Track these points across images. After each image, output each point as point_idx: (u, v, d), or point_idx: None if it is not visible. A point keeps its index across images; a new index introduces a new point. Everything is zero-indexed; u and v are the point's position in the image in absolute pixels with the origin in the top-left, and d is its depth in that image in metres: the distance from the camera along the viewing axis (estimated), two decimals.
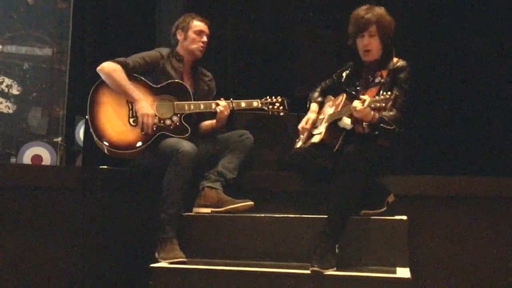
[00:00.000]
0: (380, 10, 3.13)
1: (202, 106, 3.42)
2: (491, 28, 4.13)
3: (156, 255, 3.00)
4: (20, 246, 2.95)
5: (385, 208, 3.04)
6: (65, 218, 3.14)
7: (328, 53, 4.58)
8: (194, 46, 3.49)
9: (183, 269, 2.87)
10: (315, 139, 3.16)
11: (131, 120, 3.31)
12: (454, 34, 4.24)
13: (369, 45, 3.12)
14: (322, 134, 3.11)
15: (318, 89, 3.46)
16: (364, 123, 2.98)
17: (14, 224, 2.94)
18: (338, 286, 2.65)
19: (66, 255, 3.13)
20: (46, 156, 4.29)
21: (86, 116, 3.31)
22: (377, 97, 2.80)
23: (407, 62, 3.12)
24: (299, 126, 3.36)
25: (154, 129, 3.30)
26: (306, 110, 3.48)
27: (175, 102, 3.39)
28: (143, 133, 3.27)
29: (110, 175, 3.51)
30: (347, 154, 2.88)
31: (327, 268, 2.66)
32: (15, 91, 4.41)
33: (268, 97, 3.55)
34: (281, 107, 3.53)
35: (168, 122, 3.35)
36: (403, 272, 2.69)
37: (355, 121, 3.02)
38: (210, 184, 3.29)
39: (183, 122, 3.37)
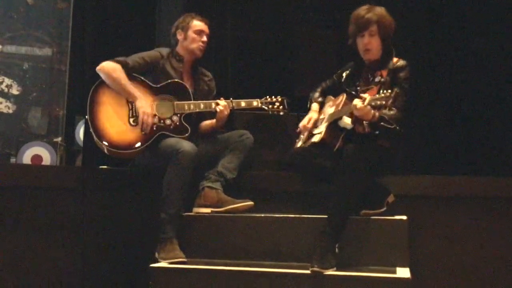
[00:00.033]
0: (380, 10, 3.13)
1: (202, 106, 3.42)
2: (491, 28, 4.13)
3: (156, 255, 3.00)
4: (20, 246, 2.95)
5: (385, 208, 3.04)
6: (65, 218, 3.14)
7: (328, 53, 4.58)
8: (194, 46, 3.49)
9: (183, 269, 2.87)
10: (315, 138, 3.16)
11: (131, 120, 3.31)
12: (454, 34, 4.24)
13: (370, 44, 3.12)
14: (323, 133, 3.11)
15: (319, 89, 3.47)
16: (364, 122, 2.98)
17: (14, 224, 2.94)
18: (338, 286, 2.65)
19: (66, 255, 3.13)
20: (46, 156, 4.29)
21: (86, 116, 3.31)
22: (377, 95, 2.81)
23: (407, 61, 3.13)
24: (301, 125, 3.36)
25: (154, 128, 3.31)
26: (306, 110, 3.48)
27: (175, 102, 3.39)
28: (143, 133, 3.27)
29: (110, 175, 3.51)
30: (347, 154, 2.88)
31: (327, 268, 2.66)
32: (15, 91, 4.41)
33: (268, 96, 3.54)
34: (281, 107, 3.53)
35: (168, 121, 3.35)
36: (403, 272, 2.69)
37: (356, 120, 3.02)
38: (210, 184, 3.28)
39: (183, 122, 3.36)
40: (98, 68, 3.33)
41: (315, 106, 3.41)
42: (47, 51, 4.52)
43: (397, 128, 2.98)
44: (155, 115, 3.34)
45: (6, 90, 4.38)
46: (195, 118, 3.50)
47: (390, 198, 3.08)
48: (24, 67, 4.47)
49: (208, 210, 3.25)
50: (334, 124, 3.12)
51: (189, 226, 3.16)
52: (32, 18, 4.51)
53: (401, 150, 3.14)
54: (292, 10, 4.74)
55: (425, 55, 4.23)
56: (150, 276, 2.83)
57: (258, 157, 3.85)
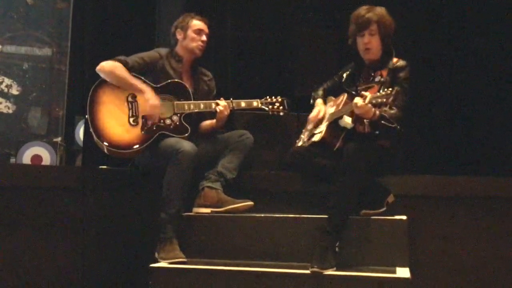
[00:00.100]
0: (381, 10, 3.15)
1: (202, 106, 3.42)
2: (491, 28, 4.13)
3: (156, 255, 3.00)
4: (20, 246, 2.95)
5: (385, 208, 3.04)
6: (65, 218, 3.14)
7: (328, 53, 4.58)
8: (193, 45, 3.49)
9: (183, 269, 2.87)
10: (316, 138, 3.17)
11: (131, 119, 3.31)
12: (454, 34, 4.24)
13: (370, 43, 3.12)
14: (323, 132, 3.11)
15: (321, 88, 3.48)
16: (365, 121, 2.99)
17: (14, 224, 2.94)
18: (338, 286, 2.65)
19: (66, 255, 3.13)
20: (46, 156, 4.30)
21: (86, 116, 3.31)
22: (378, 93, 2.81)
23: (407, 62, 3.13)
24: (310, 116, 3.35)
25: (154, 128, 3.31)
26: (306, 110, 3.48)
27: (175, 102, 3.39)
28: (142, 132, 3.28)
29: (110, 175, 3.51)
30: (347, 154, 2.88)
31: (326, 268, 2.66)
32: (14, 91, 4.41)
33: (268, 97, 3.54)
34: (281, 107, 3.53)
35: (168, 121, 3.35)
36: (403, 272, 2.69)
37: (356, 119, 3.02)
38: (210, 184, 3.28)
39: (183, 122, 3.37)
40: (98, 68, 3.33)
41: (320, 100, 3.41)
42: (46, 51, 4.53)
43: (398, 127, 2.98)
44: None
45: (6, 90, 4.39)
46: (195, 118, 3.50)
47: (390, 198, 3.08)
48: (24, 67, 4.47)
49: (208, 210, 3.24)
50: (334, 123, 3.13)
51: (189, 226, 3.16)
52: (32, 18, 4.52)
53: (401, 150, 3.13)
54: (292, 10, 4.74)
55: (425, 55, 4.23)
56: (150, 276, 2.83)
57: (258, 157, 3.85)
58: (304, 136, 3.38)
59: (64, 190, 3.15)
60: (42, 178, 3.10)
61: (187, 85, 3.45)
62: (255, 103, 3.51)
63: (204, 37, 3.51)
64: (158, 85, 3.41)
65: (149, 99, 3.29)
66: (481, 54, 4.13)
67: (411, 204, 3.24)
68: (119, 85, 3.32)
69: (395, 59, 3.15)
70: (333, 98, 3.38)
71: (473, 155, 4.02)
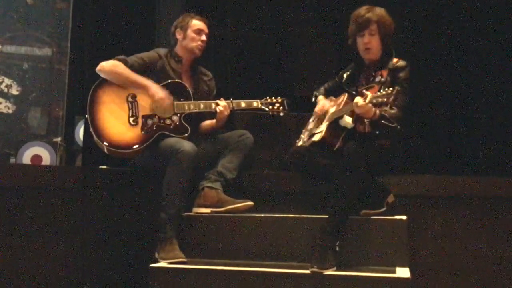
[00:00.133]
0: (380, 10, 3.16)
1: (202, 106, 3.42)
2: (491, 28, 4.13)
3: (156, 255, 3.00)
4: (20, 246, 2.95)
5: (385, 208, 3.04)
6: (65, 218, 3.14)
7: (328, 53, 4.58)
8: (193, 45, 3.49)
9: (183, 269, 2.87)
10: (316, 137, 3.16)
11: (131, 119, 3.31)
12: (454, 34, 4.24)
13: (370, 43, 3.13)
14: (323, 132, 3.11)
15: (322, 88, 3.48)
16: (365, 120, 2.99)
17: (14, 224, 2.94)
18: (338, 286, 2.65)
19: (66, 255, 3.13)
20: (46, 156, 4.29)
21: (86, 116, 3.31)
22: (378, 93, 2.82)
23: (407, 62, 3.13)
24: (316, 109, 3.35)
25: (154, 128, 3.31)
26: (306, 110, 3.48)
27: (175, 102, 3.39)
28: (142, 132, 3.28)
29: (110, 175, 3.51)
30: (347, 153, 2.88)
31: (326, 268, 2.66)
32: (14, 91, 4.41)
33: (268, 97, 3.54)
34: (281, 107, 3.53)
35: (168, 121, 3.35)
36: (403, 272, 2.69)
37: (356, 119, 3.02)
38: (210, 184, 3.28)
39: (183, 122, 3.36)
40: (98, 68, 3.33)
41: (322, 97, 3.41)
42: (46, 51, 4.52)
43: (398, 127, 2.98)
44: (155, 114, 3.34)
45: (5, 90, 4.38)
46: (195, 118, 3.50)
47: (390, 198, 3.08)
48: (23, 67, 4.46)
49: (208, 210, 3.24)
50: (335, 123, 3.12)
51: (189, 226, 3.16)
52: (31, 18, 4.51)
53: (401, 150, 3.13)
54: (292, 10, 4.74)
55: (425, 55, 4.23)
56: (150, 276, 2.83)
57: (258, 157, 3.85)
58: (304, 136, 3.39)
59: (64, 190, 3.15)
60: (42, 178, 3.10)
61: (187, 85, 3.45)
62: (255, 103, 3.50)
63: (203, 37, 3.51)
64: (158, 85, 3.41)
65: (154, 94, 3.30)
66: (481, 54, 4.13)
67: (411, 204, 3.24)
68: (120, 83, 3.32)
69: (395, 59, 3.15)
70: (333, 98, 3.38)
71: (473, 155, 4.02)
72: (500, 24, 4.11)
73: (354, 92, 3.18)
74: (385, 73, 3.12)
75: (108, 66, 3.31)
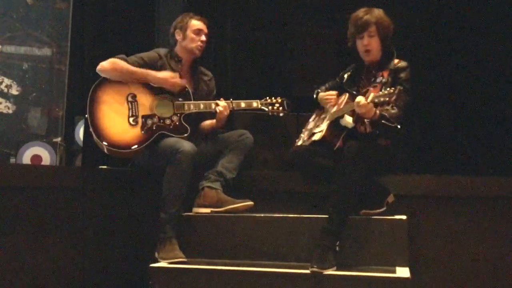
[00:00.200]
0: (378, 12, 3.17)
1: (201, 106, 3.42)
2: (491, 28, 4.13)
3: (156, 255, 3.00)
4: (20, 246, 2.95)
5: (385, 208, 3.05)
6: (65, 218, 3.14)
7: (328, 53, 4.58)
8: (192, 45, 3.49)
9: (182, 269, 2.87)
10: (316, 137, 3.16)
11: (131, 119, 3.31)
12: (455, 34, 4.24)
13: (369, 45, 3.14)
14: (324, 131, 3.11)
15: (323, 88, 3.48)
16: (366, 120, 2.99)
17: (13, 224, 2.94)
18: (338, 286, 2.65)
19: (66, 255, 3.12)
20: (46, 156, 4.30)
21: (86, 115, 3.31)
22: (380, 92, 2.82)
23: (408, 63, 3.14)
24: (328, 96, 3.34)
25: (154, 128, 3.31)
26: (306, 110, 3.48)
27: (175, 102, 3.39)
28: (142, 132, 3.28)
29: (110, 175, 3.51)
30: (347, 153, 2.88)
31: (326, 268, 2.66)
32: (14, 91, 4.41)
33: (268, 97, 3.54)
34: (280, 108, 3.53)
35: (167, 121, 3.35)
36: (403, 272, 2.69)
37: (357, 119, 3.02)
38: (209, 184, 3.28)
39: (183, 122, 3.37)
40: (98, 68, 3.34)
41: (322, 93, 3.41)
42: (46, 51, 4.53)
43: (398, 126, 2.98)
44: (154, 114, 3.34)
45: (5, 90, 4.38)
46: (195, 118, 3.50)
47: (390, 198, 3.08)
48: (23, 67, 4.47)
49: (208, 210, 3.24)
50: (335, 123, 3.13)
51: (189, 226, 3.16)
52: (31, 18, 4.51)
53: (401, 150, 3.13)
54: (292, 10, 4.74)
55: (426, 55, 4.23)
56: (150, 276, 2.83)
57: (258, 157, 3.85)
58: (304, 136, 3.39)
59: (64, 190, 3.15)
60: (42, 178, 3.10)
61: (187, 85, 3.45)
62: (255, 103, 3.51)
63: (203, 37, 3.51)
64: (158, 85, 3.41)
65: (162, 77, 3.33)
66: (482, 54, 4.13)
67: (411, 204, 3.24)
68: (122, 79, 3.32)
69: (396, 60, 3.16)
70: None
71: (473, 155, 4.02)
72: (500, 24, 4.11)
73: (354, 92, 3.19)
74: (386, 73, 3.12)
75: (108, 64, 3.32)
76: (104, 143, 3.23)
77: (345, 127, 3.08)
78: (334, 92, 3.34)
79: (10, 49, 4.44)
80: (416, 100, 3.17)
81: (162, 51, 3.53)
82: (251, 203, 3.21)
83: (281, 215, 3.12)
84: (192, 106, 3.40)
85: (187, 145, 3.14)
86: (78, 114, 4.39)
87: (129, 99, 3.34)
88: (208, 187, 3.27)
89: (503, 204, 3.25)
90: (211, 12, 4.07)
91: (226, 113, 3.43)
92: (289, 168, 3.35)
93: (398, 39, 3.24)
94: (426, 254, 3.25)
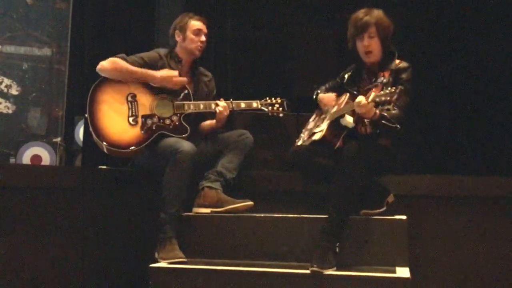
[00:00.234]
0: (378, 12, 3.16)
1: (201, 106, 3.42)
2: (492, 28, 4.13)
3: (156, 255, 3.00)
4: (19, 246, 2.95)
5: (384, 208, 3.04)
6: (64, 218, 3.14)
7: (328, 53, 4.58)
8: (192, 46, 3.48)
9: (182, 269, 2.87)
10: (316, 136, 3.16)
11: (131, 119, 3.31)
12: (454, 34, 4.24)
13: (370, 46, 3.13)
14: (324, 131, 3.11)
15: (323, 88, 3.48)
16: (366, 120, 2.99)
17: (13, 224, 2.94)
18: (338, 286, 2.65)
19: (66, 255, 3.12)
20: (46, 156, 4.29)
21: (86, 115, 3.31)
22: (382, 92, 2.82)
23: (409, 63, 3.13)
24: (324, 101, 3.34)
25: (153, 128, 3.31)
26: (306, 110, 3.48)
27: (175, 102, 3.39)
28: (142, 132, 3.28)
29: (109, 175, 3.51)
30: (347, 153, 2.88)
31: (326, 268, 2.66)
32: (14, 91, 4.41)
33: (268, 98, 3.54)
34: (280, 108, 3.53)
35: (167, 121, 3.35)
36: (403, 272, 2.69)
37: (358, 120, 3.02)
38: (209, 184, 3.28)
39: (183, 122, 3.36)
40: (98, 67, 3.33)
41: (322, 94, 3.41)
42: (46, 51, 4.52)
43: (398, 127, 2.98)
44: (154, 114, 3.34)
45: (5, 90, 4.38)
46: (195, 118, 3.50)
47: (390, 198, 3.08)
48: (23, 67, 4.47)
49: (207, 210, 3.24)
50: (335, 122, 3.12)
51: (189, 226, 3.16)
52: (31, 18, 4.51)
53: (401, 150, 3.13)
54: (292, 10, 4.74)
55: (426, 55, 4.23)
56: (150, 276, 2.83)
57: (258, 157, 3.85)
58: (304, 135, 3.38)
59: (64, 190, 3.15)
60: (42, 178, 3.10)
61: (187, 86, 3.44)
62: (255, 104, 3.51)
63: (203, 38, 3.50)
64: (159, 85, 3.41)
65: (165, 76, 3.32)
66: (482, 53, 4.13)
67: (411, 204, 3.24)
68: (122, 78, 3.32)
69: (397, 61, 3.15)
70: (334, 99, 3.38)
71: (473, 155, 4.02)
72: (500, 24, 4.11)
73: (355, 92, 3.19)
74: (387, 74, 3.12)
75: (108, 64, 3.32)
76: (104, 142, 3.23)
77: (345, 127, 3.08)
78: (333, 94, 3.33)
79: (10, 49, 4.44)
80: (416, 100, 3.16)
81: (163, 51, 3.52)
82: (251, 203, 3.21)
83: (281, 215, 3.12)
84: (192, 106, 3.40)
85: (186, 145, 3.14)
86: (78, 114, 4.38)
87: (129, 99, 3.34)
88: (208, 187, 3.27)
89: (503, 204, 3.26)
90: (211, 12, 4.07)
91: (226, 113, 3.43)
92: (289, 168, 3.35)
93: (398, 39, 3.24)
94: (426, 254, 3.25)
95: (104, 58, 3.36)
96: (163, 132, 3.31)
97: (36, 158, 4.26)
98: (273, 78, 4.60)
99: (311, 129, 3.33)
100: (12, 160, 4.27)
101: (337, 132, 3.10)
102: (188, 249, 3.02)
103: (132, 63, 3.36)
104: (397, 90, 2.74)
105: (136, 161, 3.43)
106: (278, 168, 3.81)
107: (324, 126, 3.18)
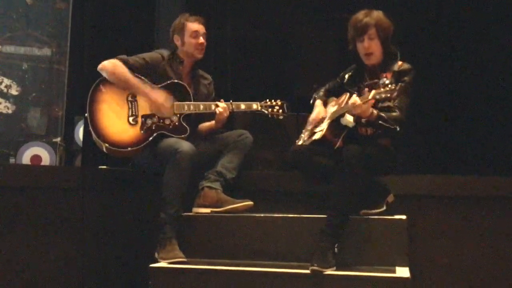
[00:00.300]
0: (378, 14, 3.15)
1: (201, 107, 3.41)
2: (491, 28, 4.14)
3: (156, 255, 3.00)
4: (19, 246, 2.95)
5: (384, 208, 3.04)
6: (64, 218, 3.14)
7: (328, 53, 4.58)
8: (192, 50, 3.47)
9: (182, 269, 2.86)
10: (317, 136, 3.17)
11: (131, 119, 3.31)
12: (454, 34, 4.25)
13: (370, 48, 3.12)
14: (324, 130, 3.11)
15: (322, 89, 3.48)
16: (362, 120, 2.99)
17: (13, 224, 2.94)
18: (338, 286, 2.65)
19: (66, 255, 3.12)
20: (46, 156, 4.28)
21: (86, 114, 3.31)
22: (382, 89, 2.82)
23: (411, 65, 3.12)
24: (310, 118, 3.35)
25: (153, 128, 3.31)
26: (306, 110, 3.48)
27: (175, 102, 3.38)
28: (141, 132, 3.28)
29: (109, 175, 3.51)
30: (347, 153, 2.88)
31: (326, 268, 2.66)
32: (14, 91, 4.40)
33: (268, 100, 3.53)
34: (280, 110, 3.52)
35: (167, 121, 3.35)
36: (403, 272, 2.69)
37: (358, 119, 3.02)
38: (209, 184, 3.28)
39: (182, 122, 3.36)
40: (99, 67, 3.33)
41: (319, 102, 3.41)
42: (46, 51, 4.52)
43: (397, 128, 2.98)
44: (154, 114, 3.34)
45: (5, 90, 4.37)
46: (194, 118, 3.49)
47: (390, 198, 3.08)
48: (23, 67, 4.46)
49: (207, 210, 3.24)
50: (336, 122, 3.13)
51: (188, 226, 3.16)
52: (31, 18, 4.50)
53: (401, 150, 3.13)
54: (292, 10, 4.74)
55: (425, 55, 4.23)
56: (150, 276, 2.83)
57: (258, 157, 3.85)
58: (304, 136, 3.38)
59: (64, 190, 3.15)
60: (41, 178, 3.10)
61: (188, 87, 3.44)
62: (255, 105, 3.50)
63: (201, 39, 3.48)
64: (159, 85, 3.40)
65: (156, 100, 3.30)
66: (481, 53, 4.13)
67: (411, 204, 3.24)
68: (117, 83, 3.31)
69: (399, 62, 3.14)
70: (335, 99, 3.38)
71: (473, 155, 4.02)
72: (500, 24, 4.11)
73: (356, 93, 3.18)
74: (389, 75, 3.10)
75: (108, 66, 3.30)
76: (104, 142, 3.22)
77: (345, 127, 3.08)
78: (323, 111, 3.32)
79: (10, 49, 4.43)
80: (416, 100, 3.16)
81: (165, 52, 3.52)
82: (250, 203, 3.21)
83: (281, 215, 3.12)
84: (192, 107, 3.39)
85: (186, 146, 3.14)
86: (78, 114, 4.38)
87: (129, 98, 3.34)
88: (208, 187, 3.27)
89: (502, 204, 3.25)
90: (211, 12, 4.07)
91: (226, 114, 3.43)
92: (289, 168, 3.35)
93: (398, 39, 3.23)
94: (426, 254, 3.25)
95: (104, 58, 3.35)
96: (162, 132, 3.31)
97: (36, 158, 4.26)
98: (273, 78, 4.60)
99: (312, 129, 3.33)
100: (12, 160, 4.26)
101: (337, 132, 3.10)
102: (188, 249, 3.02)
103: (134, 63, 3.35)
104: (397, 87, 2.75)
105: (136, 161, 3.43)
106: (278, 168, 3.82)
107: (324, 125, 3.18)
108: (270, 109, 3.51)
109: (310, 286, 2.67)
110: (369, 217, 3.00)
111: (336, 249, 2.75)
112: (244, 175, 3.47)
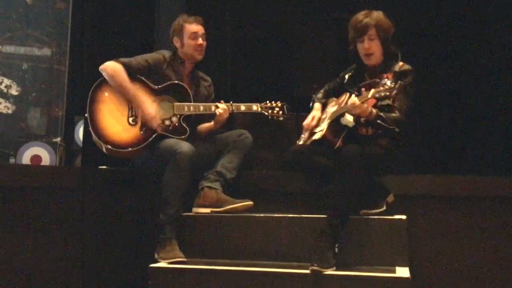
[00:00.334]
0: (378, 14, 3.14)
1: (201, 108, 3.41)
2: (491, 28, 4.14)
3: (156, 255, 3.00)
4: (19, 246, 2.95)
5: (384, 208, 3.05)
6: (64, 218, 3.14)
7: (328, 53, 4.58)
8: (191, 51, 3.47)
9: (182, 269, 2.87)
10: (317, 136, 3.17)
11: (130, 119, 3.31)
12: (454, 34, 4.25)
13: (370, 48, 3.12)
14: (324, 130, 3.11)
15: (322, 90, 3.47)
16: (361, 119, 2.99)
17: (13, 224, 2.93)
18: (338, 286, 2.65)
19: (66, 255, 3.12)
20: (45, 156, 4.28)
21: (86, 114, 3.31)
22: (381, 88, 2.82)
23: (412, 66, 3.12)
24: (304, 123, 3.35)
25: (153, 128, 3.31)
26: (306, 110, 3.47)
27: (175, 103, 3.38)
28: (141, 132, 3.28)
29: (109, 175, 3.51)
30: (346, 153, 2.88)
31: (326, 268, 2.66)
32: (14, 91, 4.40)
33: (268, 101, 3.53)
34: (280, 112, 3.52)
35: (167, 122, 3.35)
36: (403, 272, 2.69)
37: (358, 119, 3.02)
38: (209, 184, 3.28)
39: (182, 123, 3.36)
40: (101, 67, 3.32)
41: (317, 105, 3.41)
42: (46, 51, 4.52)
43: (396, 129, 2.98)
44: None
45: (5, 90, 4.37)
46: (194, 119, 3.49)
47: (390, 198, 3.08)
48: (23, 67, 4.46)
49: (207, 210, 3.24)
50: (336, 122, 3.13)
51: (188, 226, 3.16)
52: (31, 18, 4.50)
53: (401, 150, 3.12)
54: (292, 10, 4.74)
55: (426, 55, 4.23)
56: (150, 276, 2.83)
57: (258, 157, 3.85)
58: (304, 136, 3.38)
59: (64, 190, 3.15)
60: (41, 178, 3.10)
61: (188, 88, 3.44)
62: (255, 107, 3.50)
63: (200, 40, 3.47)
64: (159, 86, 3.41)
65: (148, 114, 3.27)
66: (481, 54, 4.13)
67: (410, 204, 3.24)
68: (114, 88, 3.30)
69: (400, 63, 3.14)
70: (335, 99, 3.38)
71: (473, 155, 4.02)
72: (500, 24, 4.11)
73: (356, 93, 3.18)
74: (390, 76, 3.09)
75: (109, 69, 3.28)
76: (103, 142, 3.23)
77: (345, 126, 3.08)
78: (316, 120, 3.32)
79: (10, 49, 4.43)
80: (416, 100, 3.16)
81: (167, 53, 3.51)
82: (250, 203, 3.21)
83: (281, 215, 3.12)
84: (192, 108, 3.39)
85: (185, 146, 3.14)
86: (78, 114, 4.38)
87: (132, 105, 3.32)
88: (208, 187, 3.27)
89: (503, 204, 3.25)
90: (211, 12, 4.07)
91: (226, 115, 3.43)
92: (289, 168, 3.34)
93: (398, 40, 3.23)
94: (426, 254, 3.25)
95: (104, 58, 3.35)
96: (162, 133, 3.30)
97: (36, 158, 4.26)
98: (273, 78, 4.60)
99: (312, 129, 3.33)
100: (12, 160, 4.26)
101: (337, 132, 3.10)
102: (188, 249, 3.02)
103: (136, 65, 3.35)
104: (397, 86, 2.75)
105: (136, 162, 3.43)
106: (278, 168, 3.81)
107: (324, 125, 3.18)
108: (270, 111, 3.51)
109: (310, 286, 2.67)
110: (369, 217, 3.00)
111: (336, 249, 2.75)
112: (244, 175, 3.47)
